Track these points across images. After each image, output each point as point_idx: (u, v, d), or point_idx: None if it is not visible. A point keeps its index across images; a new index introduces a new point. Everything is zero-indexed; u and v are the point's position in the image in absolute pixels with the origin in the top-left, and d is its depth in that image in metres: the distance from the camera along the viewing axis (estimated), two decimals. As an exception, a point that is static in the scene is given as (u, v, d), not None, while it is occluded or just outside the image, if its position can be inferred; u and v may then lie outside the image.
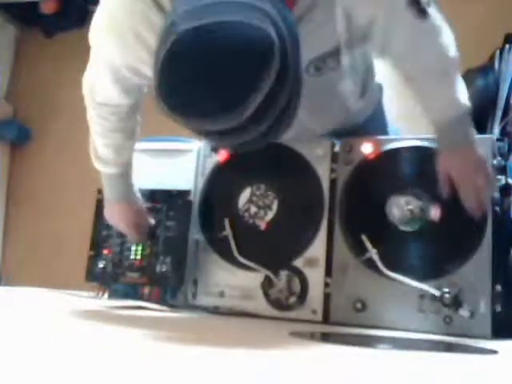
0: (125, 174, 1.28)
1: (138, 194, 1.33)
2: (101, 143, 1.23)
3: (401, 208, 1.18)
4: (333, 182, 1.27)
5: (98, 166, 1.26)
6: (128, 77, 1.08)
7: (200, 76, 0.79)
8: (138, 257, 1.35)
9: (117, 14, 1.01)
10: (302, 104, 1.22)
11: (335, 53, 1.07)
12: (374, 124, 1.42)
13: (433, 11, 1.05)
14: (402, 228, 1.19)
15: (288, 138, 1.31)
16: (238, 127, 0.81)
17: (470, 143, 1.13)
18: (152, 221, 1.34)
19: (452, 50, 1.08)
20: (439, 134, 1.15)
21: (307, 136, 1.32)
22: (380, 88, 1.42)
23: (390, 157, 1.24)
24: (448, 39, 1.08)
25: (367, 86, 1.35)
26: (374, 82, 1.38)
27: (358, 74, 1.28)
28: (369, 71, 1.34)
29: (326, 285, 1.22)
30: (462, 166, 1.13)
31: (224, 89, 0.79)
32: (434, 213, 1.17)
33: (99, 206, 1.38)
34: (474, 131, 1.14)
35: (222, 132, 0.83)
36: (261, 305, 1.25)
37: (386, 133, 1.44)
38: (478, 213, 1.12)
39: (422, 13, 1.02)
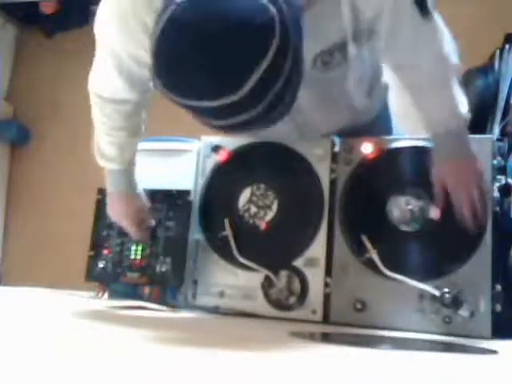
0: (128, 170, 1.27)
1: (142, 192, 1.33)
2: (105, 141, 1.23)
3: (401, 208, 1.19)
4: (333, 182, 1.27)
5: (100, 162, 1.25)
6: (130, 65, 1.07)
7: (197, 49, 0.77)
8: (138, 257, 1.35)
9: (120, 1, 1.01)
10: (310, 101, 1.17)
11: (342, 46, 1.06)
12: (380, 123, 1.41)
13: (436, 15, 1.05)
14: (403, 228, 1.19)
15: (293, 138, 1.32)
16: (235, 104, 0.78)
17: (467, 155, 1.14)
18: (153, 221, 1.34)
19: (453, 57, 1.08)
20: (437, 145, 1.15)
21: (311, 136, 1.31)
22: (386, 87, 1.40)
23: (390, 157, 1.24)
24: (449, 45, 1.08)
25: (374, 84, 1.34)
26: (381, 80, 1.37)
27: (365, 73, 1.27)
28: (376, 69, 1.32)
29: (326, 285, 1.22)
30: (457, 177, 1.13)
31: (223, 63, 0.77)
32: (434, 212, 1.17)
33: (99, 206, 1.38)
34: (470, 142, 1.14)
35: (219, 110, 0.80)
36: (261, 305, 1.25)
37: (391, 133, 1.43)
38: (472, 224, 1.13)
39: (427, 13, 1.02)
